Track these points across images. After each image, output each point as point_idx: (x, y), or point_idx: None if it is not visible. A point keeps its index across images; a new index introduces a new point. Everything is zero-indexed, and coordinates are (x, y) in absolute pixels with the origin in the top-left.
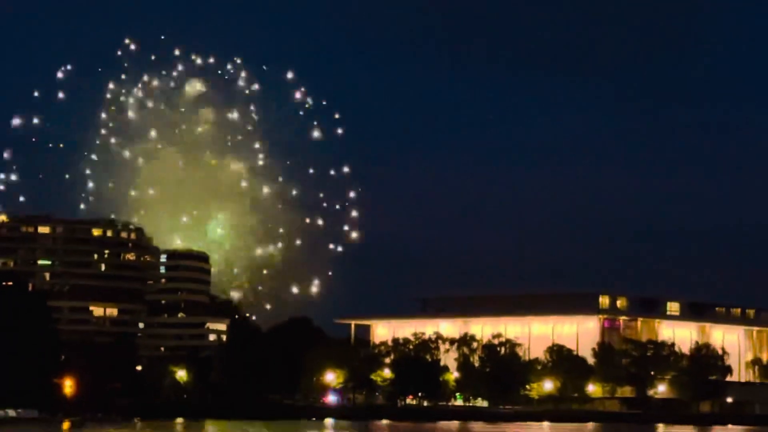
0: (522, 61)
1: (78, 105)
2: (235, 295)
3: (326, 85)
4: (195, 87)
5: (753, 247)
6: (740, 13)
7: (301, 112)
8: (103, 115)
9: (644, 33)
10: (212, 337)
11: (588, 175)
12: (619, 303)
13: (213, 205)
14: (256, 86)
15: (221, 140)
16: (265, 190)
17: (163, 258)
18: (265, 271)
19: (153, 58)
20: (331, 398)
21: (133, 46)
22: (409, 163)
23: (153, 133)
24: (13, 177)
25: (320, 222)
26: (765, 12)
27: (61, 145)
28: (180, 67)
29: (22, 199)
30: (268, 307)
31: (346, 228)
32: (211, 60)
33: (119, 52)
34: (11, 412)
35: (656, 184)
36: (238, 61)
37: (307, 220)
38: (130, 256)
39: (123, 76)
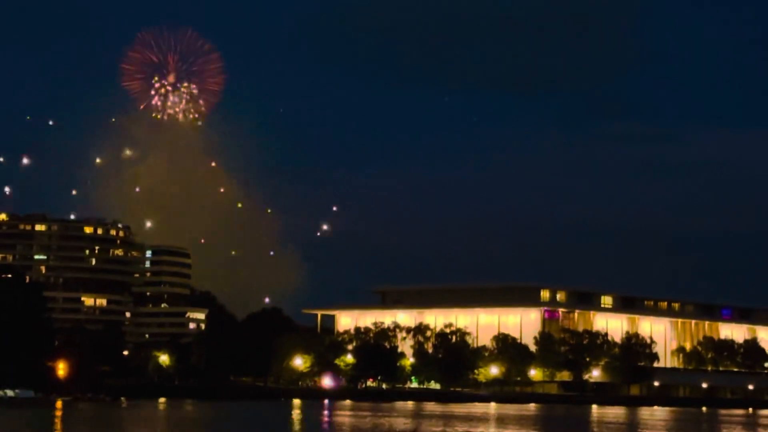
0: (472, 79)
1: (72, 120)
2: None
3: (301, 103)
4: (179, 103)
5: (678, 246)
6: (665, 35)
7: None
8: (96, 128)
9: (577, 53)
10: (192, 325)
11: (531, 180)
12: (558, 296)
13: (193, 206)
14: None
15: (202, 148)
16: (242, 193)
17: (148, 254)
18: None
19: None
20: (328, 381)
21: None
22: (370, 169)
23: (140, 143)
24: (7, 190)
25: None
26: (688, 35)
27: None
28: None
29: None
30: (243, 298)
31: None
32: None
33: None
34: (9, 393)
35: (593, 189)
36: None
37: (280, 221)
38: (118, 252)
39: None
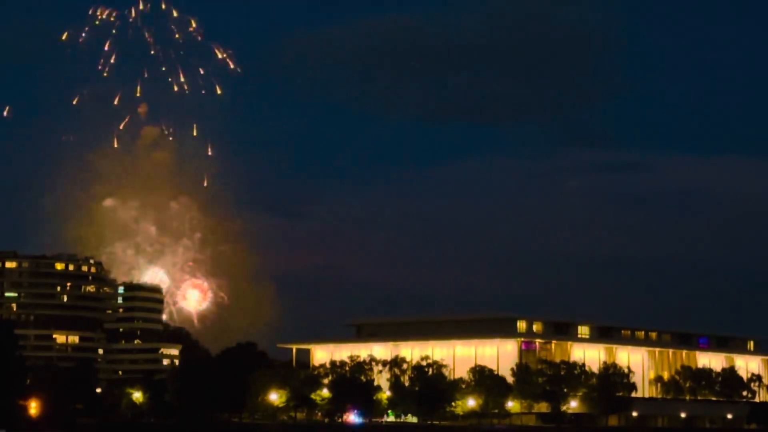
0: (441, 111)
1: (40, 151)
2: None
3: (273, 136)
4: (150, 133)
5: (654, 276)
6: (631, 64)
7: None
8: (66, 160)
9: (544, 84)
10: (166, 361)
11: (504, 210)
12: (535, 327)
13: (166, 240)
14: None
15: (174, 181)
16: (213, 226)
17: (120, 289)
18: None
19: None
20: (353, 418)
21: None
22: (343, 201)
23: (111, 177)
24: None
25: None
26: (654, 63)
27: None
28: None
29: None
30: (217, 333)
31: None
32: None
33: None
34: None
35: (566, 219)
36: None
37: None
38: (90, 288)
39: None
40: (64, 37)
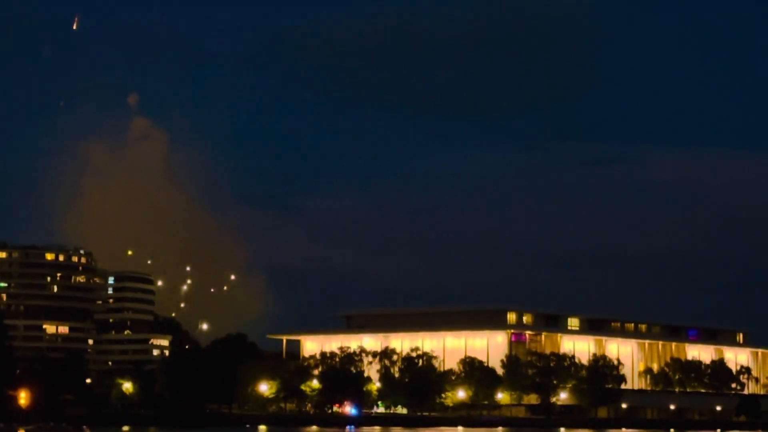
0: (434, 104)
1: (29, 142)
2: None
3: (262, 126)
4: (140, 124)
5: (642, 268)
6: (625, 57)
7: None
8: (57, 150)
9: (537, 76)
10: (156, 352)
11: (495, 203)
12: (525, 319)
13: (156, 231)
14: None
15: (164, 172)
16: (204, 218)
17: (110, 280)
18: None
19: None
20: (349, 410)
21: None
22: (334, 193)
23: (101, 167)
24: None
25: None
26: (647, 56)
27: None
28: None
29: None
30: (207, 324)
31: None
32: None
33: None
34: None
35: (556, 212)
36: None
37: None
38: (80, 279)
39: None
40: (54, 37)
